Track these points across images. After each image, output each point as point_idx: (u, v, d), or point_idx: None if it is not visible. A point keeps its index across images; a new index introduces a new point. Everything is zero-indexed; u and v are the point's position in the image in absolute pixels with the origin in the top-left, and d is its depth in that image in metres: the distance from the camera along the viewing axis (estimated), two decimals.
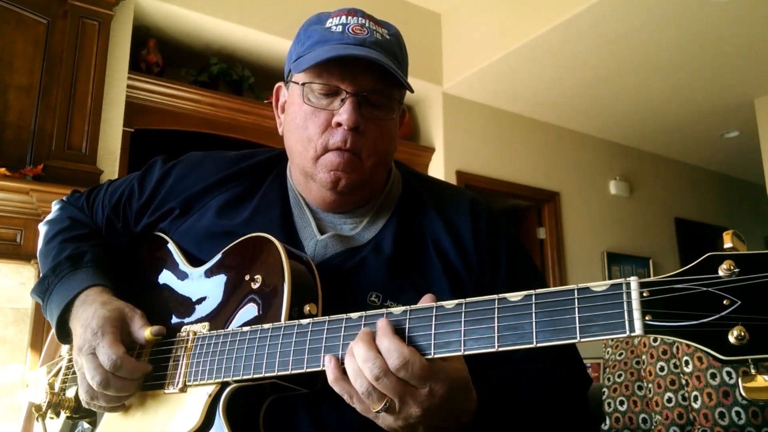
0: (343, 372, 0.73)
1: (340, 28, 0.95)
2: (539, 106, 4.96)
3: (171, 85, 3.67)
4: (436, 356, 0.70)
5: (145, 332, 0.92)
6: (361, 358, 0.71)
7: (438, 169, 4.57)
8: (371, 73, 0.93)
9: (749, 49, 4.12)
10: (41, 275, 1.06)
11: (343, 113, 0.91)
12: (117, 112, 3.33)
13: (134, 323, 0.94)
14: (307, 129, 0.95)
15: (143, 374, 0.91)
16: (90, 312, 0.94)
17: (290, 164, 1.06)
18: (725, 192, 6.64)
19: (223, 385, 0.85)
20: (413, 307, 0.74)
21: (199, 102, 3.76)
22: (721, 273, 0.58)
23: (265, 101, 4.00)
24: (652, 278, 0.61)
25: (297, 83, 0.97)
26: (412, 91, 0.99)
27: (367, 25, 0.97)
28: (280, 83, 1.07)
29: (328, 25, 0.97)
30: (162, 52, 3.76)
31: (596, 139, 5.59)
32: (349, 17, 0.97)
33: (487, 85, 4.61)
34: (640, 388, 2.51)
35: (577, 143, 5.44)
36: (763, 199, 5.23)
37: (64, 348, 1.15)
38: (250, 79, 4.05)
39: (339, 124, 0.92)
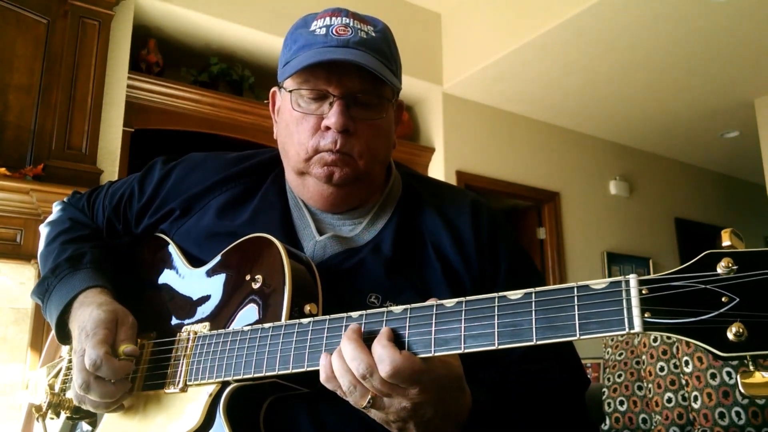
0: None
1: (323, 31, 0.95)
2: (539, 106, 4.96)
3: (171, 85, 3.67)
4: (436, 355, 0.71)
5: (120, 347, 0.90)
6: (348, 356, 0.72)
7: (438, 169, 4.57)
8: (357, 74, 0.93)
9: (749, 49, 4.12)
10: (41, 276, 1.06)
11: (332, 116, 0.92)
12: (117, 112, 3.34)
13: (120, 333, 0.92)
14: (299, 133, 0.95)
15: (125, 375, 0.90)
16: (86, 314, 0.93)
17: (285, 168, 1.07)
18: (725, 192, 6.64)
19: (224, 384, 0.85)
20: (413, 306, 0.74)
21: (199, 102, 3.76)
22: (719, 270, 0.58)
23: (265, 101, 3.96)
24: (651, 276, 0.61)
25: (286, 90, 0.97)
26: (399, 87, 0.98)
27: (351, 24, 0.96)
28: (275, 88, 1.07)
29: (312, 28, 0.97)
30: (162, 52, 3.76)
31: (596, 139, 5.60)
32: (333, 18, 0.97)
33: (487, 85, 4.61)
34: (640, 388, 2.51)
35: (577, 143, 5.44)
36: (763, 199, 5.23)
37: (65, 349, 1.15)
38: (250, 79, 4.05)
39: (328, 128, 0.93)
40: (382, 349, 0.70)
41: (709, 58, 4.24)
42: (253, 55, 4.07)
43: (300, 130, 0.95)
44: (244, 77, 4.03)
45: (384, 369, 0.69)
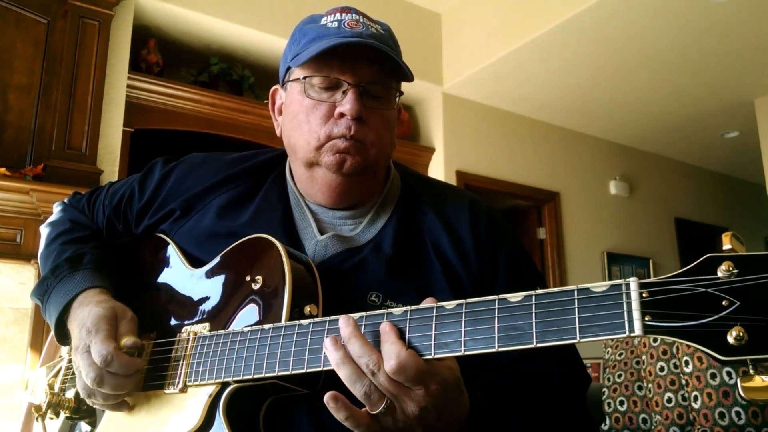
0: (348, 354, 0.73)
1: (335, 24, 0.97)
2: (539, 106, 4.96)
3: (171, 85, 3.67)
4: (435, 357, 0.71)
5: (122, 340, 0.91)
6: (356, 355, 0.72)
7: (438, 169, 4.57)
8: (370, 64, 0.94)
9: (749, 49, 4.12)
10: (41, 277, 1.06)
11: (346, 103, 0.92)
12: (117, 112, 3.33)
13: (121, 327, 0.93)
14: (309, 122, 0.96)
15: (137, 371, 0.91)
16: (86, 312, 0.94)
17: (291, 163, 1.07)
18: (725, 192, 6.64)
19: (224, 385, 0.85)
20: (414, 307, 0.74)
21: (199, 102, 3.76)
22: (720, 274, 0.58)
23: (265, 101, 3.98)
24: (651, 279, 0.61)
25: (296, 79, 0.98)
26: (412, 78, 0.99)
27: (362, 20, 0.98)
28: (276, 86, 1.08)
29: (323, 22, 0.98)
30: (162, 52, 3.76)
31: (596, 139, 5.59)
32: (344, 14, 0.99)
33: (487, 85, 4.61)
34: (640, 388, 2.51)
35: (577, 143, 5.44)
36: (763, 199, 5.23)
37: (64, 348, 1.15)
38: (250, 79, 4.05)
39: (342, 115, 0.93)
40: (390, 346, 0.71)
41: (709, 58, 4.24)
42: (253, 55, 4.07)
43: (311, 118, 0.95)
44: (244, 77, 4.03)
45: (389, 364, 0.69)
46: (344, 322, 0.74)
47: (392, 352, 0.70)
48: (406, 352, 0.70)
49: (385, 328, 0.73)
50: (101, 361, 0.87)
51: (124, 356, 0.89)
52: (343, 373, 0.72)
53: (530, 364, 0.91)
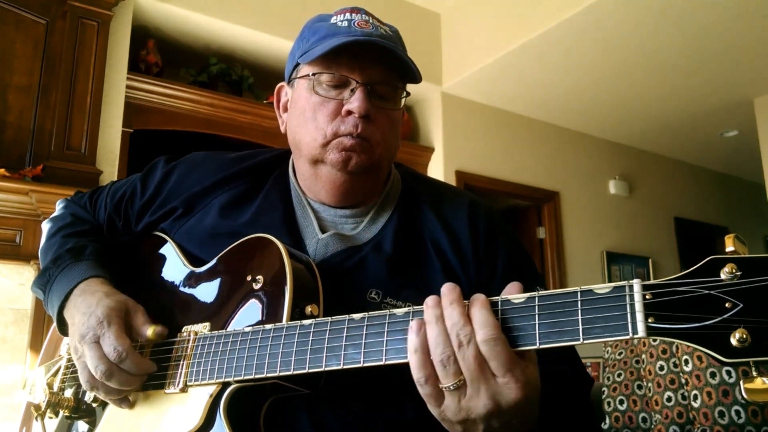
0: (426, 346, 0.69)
1: (346, 23, 0.97)
2: (539, 106, 4.96)
3: (170, 85, 3.66)
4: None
5: (148, 331, 0.92)
6: (452, 321, 0.68)
7: (438, 169, 4.57)
8: (379, 64, 0.95)
9: (748, 49, 4.12)
10: (42, 268, 1.06)
11: (354, 101, 0.93)
12: (116, 113, 3.33)
13: (137, 319, 0.94)
14: (316, 119, 0.96)
15: (147, 372, 0.91)
16: (94, 300, 0.93)
17: (294, 160, 1.07)
18: (725, 192, 6.65)
19: (224, 385, 0.85)
20: (416, 308, 0.73)
21: (198, 102, 3.76)
22: (723, 276, 0.58)
23: (265, 101, 4.00)
24: (654, 281, 0.61)
25: (305, 76, 0.98)
26: (420, 80, 0.99)
27: (371, 21, 0.99)
28: (282, 83, 1.08)
29: (333, 21, 0.99)
30: (161, 53, 3.75)
31: (596, 139, 5.60)
32: (353, 14, 0.99)
33: (486, 85, 4.61)
34: (639, 387, 2.52)
35: (577, 143, 5.44)
36: (763, 198, 5.23)
37: (63, 348, 1.14)
38: (249, 79, 4.04)
39: (350, 112, 0.93)
40: (487, 315, 0.67)
41: (709, 58, 4.24)
42: (253, 56, 4.07)
43: (319, 115, 0.96)
44: (244, 77, 4.03)
45: (485, 333, 0.66)
46: (449, 288, 0.71)
47: (490, 323, 0.67)
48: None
49: (478, 297, 0.70)
50: (116, 357, 0.87)
51: (138, 355, 0.89)
52: (433, 332, 0.69)
53: (540, 365, 0.91)
